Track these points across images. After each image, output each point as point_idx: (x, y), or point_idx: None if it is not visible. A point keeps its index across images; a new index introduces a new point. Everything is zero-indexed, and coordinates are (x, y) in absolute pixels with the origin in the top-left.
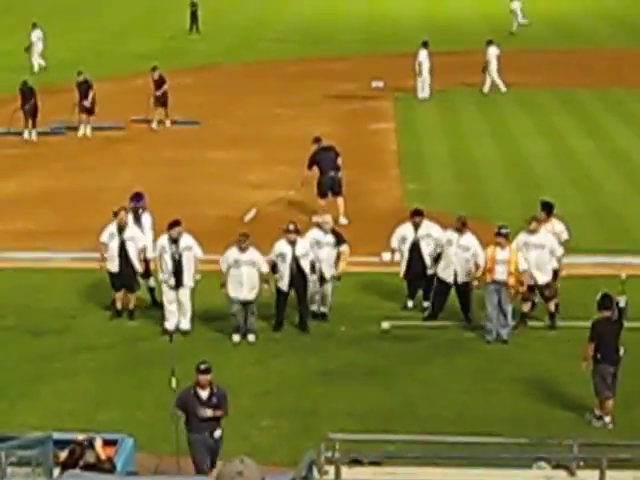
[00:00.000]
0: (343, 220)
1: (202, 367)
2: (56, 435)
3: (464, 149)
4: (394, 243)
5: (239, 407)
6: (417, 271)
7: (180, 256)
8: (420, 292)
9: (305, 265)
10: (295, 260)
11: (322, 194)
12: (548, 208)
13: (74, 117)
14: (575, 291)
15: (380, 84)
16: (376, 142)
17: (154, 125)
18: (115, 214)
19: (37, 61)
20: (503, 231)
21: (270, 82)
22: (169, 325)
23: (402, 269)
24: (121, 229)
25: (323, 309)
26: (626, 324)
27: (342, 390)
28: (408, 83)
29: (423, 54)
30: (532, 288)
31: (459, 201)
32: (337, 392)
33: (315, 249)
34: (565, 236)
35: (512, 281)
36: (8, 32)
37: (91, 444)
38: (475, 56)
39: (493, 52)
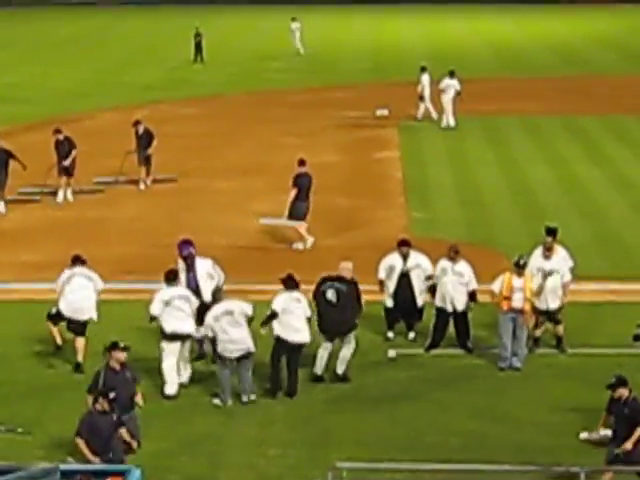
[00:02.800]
0: (299, 245)
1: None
2: (62, 466)
3: (469, 176)
4: (382, 274)
5: (245, 436)
6: (407, 302)
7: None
8: (401, 322)
9: None
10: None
11: (298, 218)
12: (553, 234)
13: (52, 180)
14: (581, 318)
15: (385, 112)
16: (381, 170)
17: (142, 186)
18: (73, 262)
19: None
20: (522, 262)
21: (275, 111)
22: (170, 390)
23: (389, 300)
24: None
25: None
26: None
27: (349, 419)
28: (412, 111)
29: (446, 82)
30: (543, 313)
31: (464, 229)
32: (344, 421)
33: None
34: (570, 263)
35: (527, 307)
36: (12, 64)
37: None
38: (479, 84)
39: (426, 79)
